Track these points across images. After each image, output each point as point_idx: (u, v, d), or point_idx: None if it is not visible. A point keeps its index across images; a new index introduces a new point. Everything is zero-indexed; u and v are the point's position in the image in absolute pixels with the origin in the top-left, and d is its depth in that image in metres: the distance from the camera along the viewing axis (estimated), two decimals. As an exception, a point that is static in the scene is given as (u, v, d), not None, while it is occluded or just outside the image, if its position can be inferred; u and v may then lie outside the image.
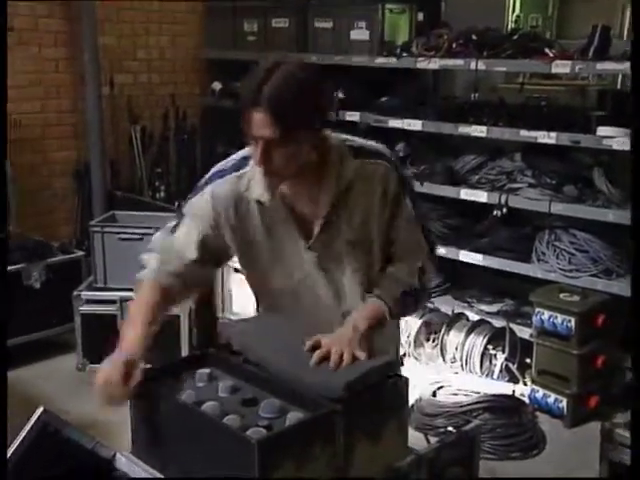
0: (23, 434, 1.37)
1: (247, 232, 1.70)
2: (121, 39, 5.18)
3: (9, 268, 3.85)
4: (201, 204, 1.71)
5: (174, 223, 1.77)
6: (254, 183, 1.66)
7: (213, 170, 1.75)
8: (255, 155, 1.56)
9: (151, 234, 1.85)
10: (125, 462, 1.49)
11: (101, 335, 3.69)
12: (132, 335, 1.61)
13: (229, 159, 1.74)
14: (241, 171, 1.68)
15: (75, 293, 3.72)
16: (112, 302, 3.69)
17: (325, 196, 1.66)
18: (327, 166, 1.65)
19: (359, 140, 1.76)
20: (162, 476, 1.45)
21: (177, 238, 1.73)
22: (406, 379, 1.55)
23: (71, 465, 1.46)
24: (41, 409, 1.38)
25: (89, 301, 3.70)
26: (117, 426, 2.68)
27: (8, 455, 1.36)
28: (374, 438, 1.49)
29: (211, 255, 1.74)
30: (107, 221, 3.92)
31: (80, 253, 4.21)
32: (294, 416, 1.42)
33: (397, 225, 1.76)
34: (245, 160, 1.69)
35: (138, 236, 3.58)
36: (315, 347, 1.57)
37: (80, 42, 4.85)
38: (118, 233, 3.71)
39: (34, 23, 4.74)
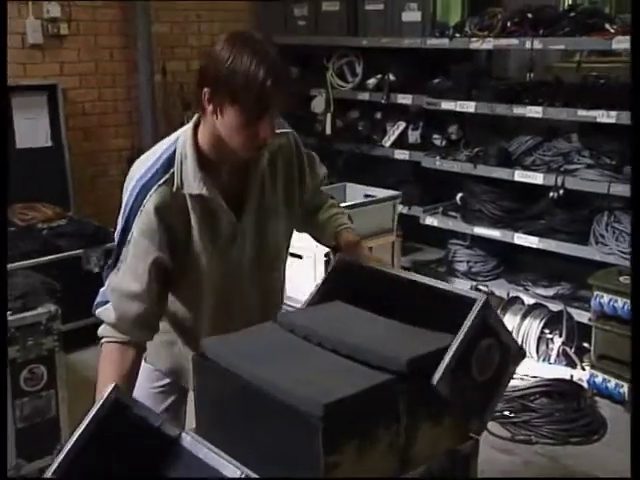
0: (93, 411, 1.40)
1: (187, 227, 1.66)
2: (173, 26, 5.24)
3: (70, 253, 3.97)
4: (146, 222, 1.63)
5: (116, 258, 1.71)
6: (188, 179, 1.63)
7: (133, 190, 1.64)
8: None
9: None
10: (190, 441, 1.51)
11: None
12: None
13: (144, 170, 1.65)
14: (167, 175, 1.63)
15: (132, 277, 3.78)
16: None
17: (255, 174, 1.71)
18: None
19: None
20: (226, 455, 1.47)
21: (128, 274, 1.65)
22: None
23: (138, 443, 1.49)
24: (112, 386, 1.41)
25: (146, 285, 3.76)
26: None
27: (80, 431, 1.39)
28: (436, 419, 1.49)
29: (167, 276, 1.68)
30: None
31: (136, 238, 4.28)
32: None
33: (307, 188, 1.86)
34: (167, 164, 1.64)
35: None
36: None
37: (133, 30, 4.92)
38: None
39: (92, 13, 4.82)
